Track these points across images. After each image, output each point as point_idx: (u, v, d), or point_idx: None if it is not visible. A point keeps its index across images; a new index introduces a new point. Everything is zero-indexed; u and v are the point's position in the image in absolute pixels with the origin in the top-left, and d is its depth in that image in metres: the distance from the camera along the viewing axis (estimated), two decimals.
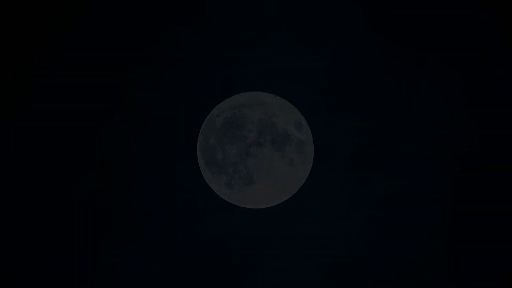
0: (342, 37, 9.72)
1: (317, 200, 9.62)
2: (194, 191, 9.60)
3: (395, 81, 9.68)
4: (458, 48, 9.69)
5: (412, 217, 9.57)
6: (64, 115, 9.64)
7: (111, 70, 9.69)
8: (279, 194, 9.40)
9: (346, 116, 9.65)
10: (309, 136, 9.44)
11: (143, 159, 9.63)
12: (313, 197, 9.61)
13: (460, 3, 9.59)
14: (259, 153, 9.06)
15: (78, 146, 9.62)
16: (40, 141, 9.62)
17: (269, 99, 9.42)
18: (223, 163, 9.18)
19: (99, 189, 9.59)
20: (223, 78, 9.68)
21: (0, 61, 9.07)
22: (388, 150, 9.64)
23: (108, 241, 9.58)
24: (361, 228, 9.60)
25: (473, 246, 9.52)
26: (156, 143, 9.64)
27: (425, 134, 9.64)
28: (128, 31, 9.72)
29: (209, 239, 9.62)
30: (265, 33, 9.73)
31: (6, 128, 9.47)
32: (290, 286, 9.60)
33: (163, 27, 9.74)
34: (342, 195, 9.60)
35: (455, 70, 9.67)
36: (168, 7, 9.76)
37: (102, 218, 9.57)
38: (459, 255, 9.52)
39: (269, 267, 9.62)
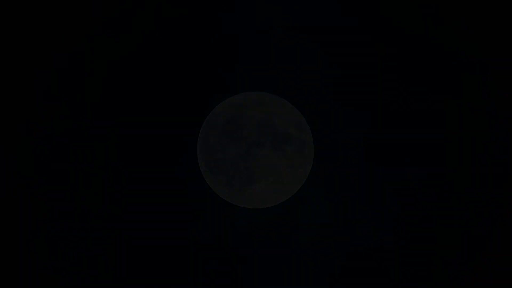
0: (341, 37, 9.72)
1: (317, 200, 9.63)
2: (194, 191, 9.60)
3: (395, 81, 9.69)
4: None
5: (411, 216, 9.58)
6: (59, 114, 9.66)
7: (111, 71, 9.70)
8: (279, 194, 9.40)
9: (346, 116, 9.66)
10: (309, 136, 9.45)
11: (143, 159, 9.63)
12: (313, 197, 9.62)
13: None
14: (259, 153, 9.07)
15: (81, 148, 9.64)
16: (43, 140, 9.64)
17: (269, 99, 9.43)
18: (223, 163, 9.18)
19: (100, 189, 9.60)
20: (223, 78, 9.68)
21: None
22: (387, 150, 9.64)
23: (108, 241, 9.58)
24: (361, 227, 9.60)
25: (475, 245, 9.53)
26: (156, 143, 9.65)
27: (425, 134, 9.64)
28: (129, 32, 9.73)
29: (209, 239, 9.62)
30: (266, 33, 9.73)
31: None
32: (289, 285, 9.61)
33: (163, 27, 9.74)
34: (342, 195, 9.61)
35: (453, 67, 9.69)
36: (170, 8, 9.76)
37: (100, 219, 9.58)
38: (463, 257, 9.54)
39: (269, 267, 9.62)
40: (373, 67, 9.70)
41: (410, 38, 9.70)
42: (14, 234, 9.53)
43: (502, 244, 9.50)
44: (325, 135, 9.62)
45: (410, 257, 9.56)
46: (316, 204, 9.62)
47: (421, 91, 9.67)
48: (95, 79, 9.67)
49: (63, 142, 9.61)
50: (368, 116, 9.66)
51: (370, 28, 9.72)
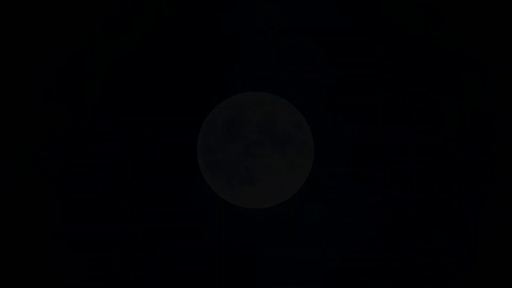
0: (341, 37, 9.72)
1: (317, 200, 9.63)
2: (194, 191, 9.60)
3: (395, 81, 9.69)
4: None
5: (412, 216, 9.58)
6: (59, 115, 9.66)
7: (111, 71, 9.70)
8: (279, 194, 9.40)
9: (346, 116, 9.66)
10: (309, 136, 9.45)
11: (143, 159, 9.63)
12: (313, 197, 9.62)
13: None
14: (259, 153, 9.07)
15: (79, 148, 9.64)
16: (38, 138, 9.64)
17: (269, 99, 9.43)
18: (223, 163, 9.19)
19: (99, 189, 9.60)
20: (223, 78, 9.68)
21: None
22: (388, 150, 9.65)
23: (107, 241, 9.58)
24: (361, 227, 9.60)
25: (476, 245, 9.53)
26: (156, 143, 9.65)
27: (425, 134, 9.64)
28: (129, 32, 9.73)
29: (209, 239, 9.62)
30: (266, 33, 9.73)
31: None
32: (289, 285, 9.60)
33: (163, 26, 9.74)
34: (342, 195, 9.61)
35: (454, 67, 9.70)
36: (170, 8, 9.76)
37: (99, 219, 9.57)
38: (463, 257, 9.54)
39: (269, 267, 9.62)
40: (373, 67, 9.70)
41: (410, 38, 9.70)
42: (14, 234, 9.53)
43: (503, 244, 9.50)
44: (325, 135, 9.62)
45: (410, 258, 9.55)
46: (316, 204, 9.62)
47: (421, 91, 9.67)
48: (95, 79, 9.68)
49: (63, 142, 9.61)
50: (368, 116, 9.66)
51: (370, 28, 9.72)
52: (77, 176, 9.59)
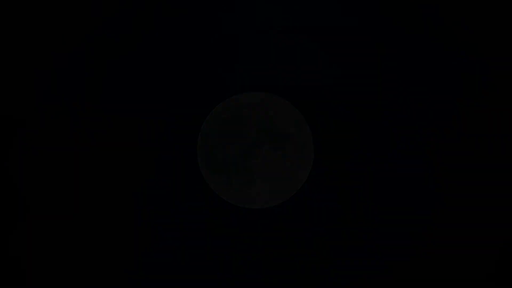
0: (341, 37, 9.73)
1: (317, 201, 9.63)
2: (194, 191, 9.60)
3: (395, 81, 9.69)
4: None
5: (412, 216, 9.58)
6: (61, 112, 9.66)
7: (111, 71, 9.71)
8: (279, 194, 9.41)
9: (346, 117, 9.66)
10: (309, 136, 9.45)
11: (143, 159, 9.64)
12: (313, 198, 9.62)
13: None
14: (259, 153, 9.08)
15: (77, 147, 9.65)
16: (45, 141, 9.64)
17: (269, 99, 9.44)
18: (223, 163, 9.19)
19: (98, 190, 9.60)
20: (223, 78, 9.69)
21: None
22: (388, 150, 9.65)
23: (106, 241, 9.59)
24: (361, 228, 9.61)
25: (477, 245, 9.54)
26: (156, 143, 9.65)
27: (425, 134, 9.65)
28: (129, 32, 9.73)
29: (208, 240, 9.62)
30: (266, 33, 9.74)
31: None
32: (289, 286, 9.61)
33: (163, 26, 9.75)
34: (342, 195, 9.61)
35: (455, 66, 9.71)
36: (170, 8, 9.77)
37: (98, 219, 9.58)
38: (465, 259, 9.54)
39: (269, 267, 9.63)
40: (373, 67, 9.71)
41: (410, 38, 9.70)
42: (13, 235, 9.54)
43: (504, 245, 9.50)
44: (325, 135, 9.62)
45: (412, 258, 9.56)
46: (316, 204, 9.63)
47: (421, 91, 9.67)
48: (95, 79, 9.68)
49: (63, 142, 9.61)
50: (368, 116, 9.67)
51: (370, 28, 9.72)
52: (76, 176, 9.59)
